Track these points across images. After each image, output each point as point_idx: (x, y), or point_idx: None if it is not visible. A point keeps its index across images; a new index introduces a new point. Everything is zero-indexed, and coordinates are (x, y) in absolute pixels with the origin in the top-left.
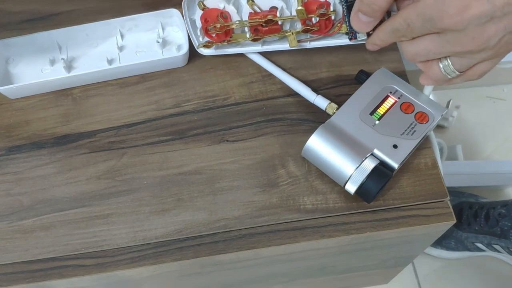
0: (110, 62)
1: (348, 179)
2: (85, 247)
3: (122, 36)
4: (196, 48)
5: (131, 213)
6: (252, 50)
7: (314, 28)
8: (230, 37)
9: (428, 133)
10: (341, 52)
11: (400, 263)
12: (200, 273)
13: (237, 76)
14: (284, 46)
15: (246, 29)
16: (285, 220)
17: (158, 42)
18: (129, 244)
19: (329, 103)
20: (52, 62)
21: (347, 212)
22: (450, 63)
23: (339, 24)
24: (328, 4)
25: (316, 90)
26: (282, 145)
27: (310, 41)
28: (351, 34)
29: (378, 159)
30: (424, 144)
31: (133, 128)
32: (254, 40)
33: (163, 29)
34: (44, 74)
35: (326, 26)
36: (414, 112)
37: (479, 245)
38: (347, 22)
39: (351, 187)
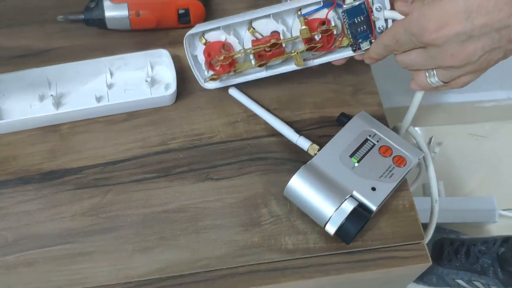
0: (98, 99)
1: (328, 220)
2: (68, 284)
3: (111, 74)
4: (202, 84)
5: (114, 250)
6: (257, 77)
7: (318, 45)
8: (235, 67)
9: (406, 176)
10: (324, 94)
11: None
12: None
13: (223, 115)
14: (287, 68)
15: (251, 56)
16: (266, 260)
17: (147, 81)
18: (111, 282)
19: (311, 144)
20: (41, 98)
21: (327, 253)
22: (435, 73)
23: (340, 39)
24: (329, 21)
25: (299, 131)
26: (265, 184)
27: (314, 59)
28: (355, 45)
29: (357, 201)
30: (402, 186)
31: (119, 165)
32: (260, 65)
33: (152, 68)
34: (33, 110)
35: (328, 42)
36: (392, 156)
37: (460, 281)
38: (350, 35)
39: (331, 228)
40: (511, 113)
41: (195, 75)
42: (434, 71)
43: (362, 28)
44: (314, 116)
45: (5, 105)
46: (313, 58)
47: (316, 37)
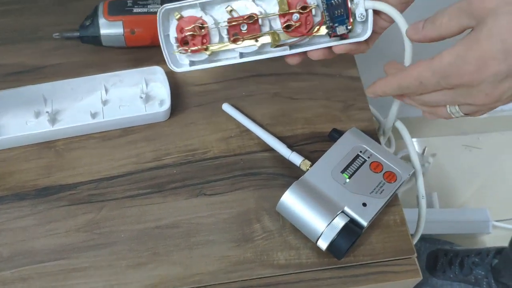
0: (93, 115)
1: (320, 236)
2: None
3: (106, 90)
4: (170, 66)
5: (108, 266)
6: (230, 62)
7: (295, 24)
8: (206, 46)
9: (396, 191)
10: (316, 110)
11: None
12: None
13: (216, 131)
14: (263, 56)
15: (224, 35)
16: (258, 275)
17: (141, 98)
18: None
19: (303, 160)
20: (37, 115)
21: (319, 268)
22: (458, 107)
23: (318, 26)
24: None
25: (291, 146)
26: (257, 199)
27: (290, 46)
28: (331, 28)
29: (348, 216)
30: (393, 201)
31: (113, 181)
32: (234, 41)
33: (146, 84)
34: (28, 127)
35: (306, 26)
36: (383, 172)
37: None
38: (327, 16)
39: (323, 244)
40: (504, 124)
41: (165, 56)
42: (457, 106)
43: (339, 11)
44: (306, 131)
45: (1, 121)
46: (289, 45)
47: (294, 17)
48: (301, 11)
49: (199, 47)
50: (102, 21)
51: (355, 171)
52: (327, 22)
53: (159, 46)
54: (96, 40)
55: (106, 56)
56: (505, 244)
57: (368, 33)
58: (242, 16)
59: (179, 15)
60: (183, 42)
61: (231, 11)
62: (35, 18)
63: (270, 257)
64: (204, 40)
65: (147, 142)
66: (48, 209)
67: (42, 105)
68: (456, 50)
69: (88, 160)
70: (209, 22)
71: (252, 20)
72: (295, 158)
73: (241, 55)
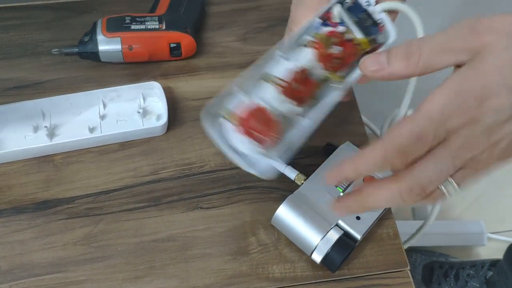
0: (91, 130)
1: (314, 249)
2: None
3: (104, 105)
4: (260, 174)
5: (104, 279)
6: (306, 132)
7: (346, 53)
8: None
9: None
10: None
11: None
12: None
13: (213, 145)
14: (326, 108)
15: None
16: None
17: (139, 112)
18: None
19: (298, 174)
20: (36, 129)
21: (314, 281)
22: (453, 181)
23: (359, 44)
24: (341, 33)
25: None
26: (253, 212)
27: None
28: (373, 41)
29: (342, 230)
30: (386, 214)
31: (111, 195)
32: (299, 104)
33: (144, 99)
34: (27, 141)
35: (350, 53)
36: None
37: None
38: (362, 32)
39: (317, 257)
40: None
41: (244, 167)
42: (451, 179)
43: (369, 22)
44: (301, 145)
45: (0, 136)
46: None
47: (335, 50)
48: (343, 41)
49: (274, 135)
50: (100, 37)
51: (348, 185)
52: (364, 36)
53: (156, 62)
54: (94, 56)
55: (104, 71)
56: (500, 256)
57: (393, 34)
58: (293, 76)
59: (233, 115)
60: (249, 133)
61: (274, 80)
62: (35, 33)
63: (266, 270)
64: (271, 124)
65: (144, 156)
66: (46, 222)
67: (40, 119)
68: (448, 89)
69: (86, 174)
70: (263, 103)
71: (304, 76)
72: (290, 172)
73: (305, 115)
